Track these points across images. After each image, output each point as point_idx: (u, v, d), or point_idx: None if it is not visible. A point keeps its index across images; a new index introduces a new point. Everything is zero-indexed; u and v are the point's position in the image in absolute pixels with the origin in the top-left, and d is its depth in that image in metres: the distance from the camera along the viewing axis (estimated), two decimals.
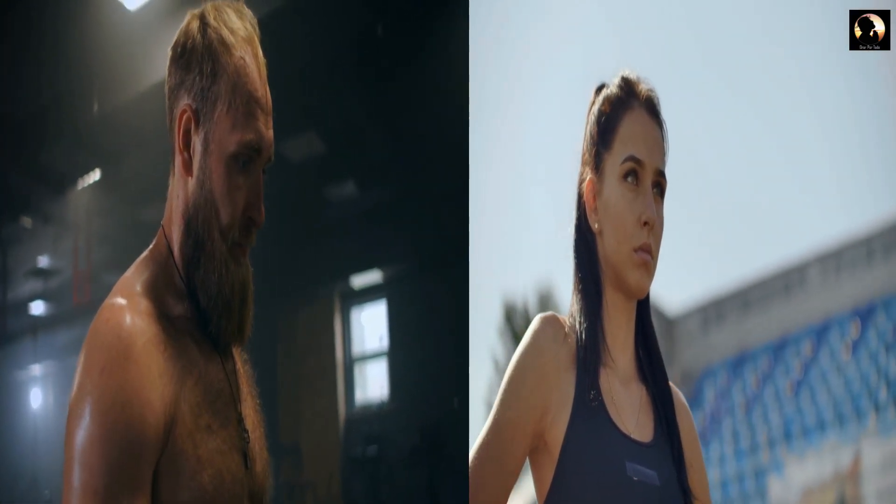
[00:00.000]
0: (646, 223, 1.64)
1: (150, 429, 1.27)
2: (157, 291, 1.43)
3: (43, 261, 5.56)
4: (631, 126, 1.66)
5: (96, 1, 4.39)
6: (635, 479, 1.56)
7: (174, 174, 1.50)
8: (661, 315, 21.05)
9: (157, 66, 1.54)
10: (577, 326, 1.66)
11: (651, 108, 1.69)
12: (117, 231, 5.25)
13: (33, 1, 4.25)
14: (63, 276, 5.47)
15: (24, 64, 4.44)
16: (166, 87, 1.50)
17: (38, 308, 5.74)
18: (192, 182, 1.46)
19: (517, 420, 1.62)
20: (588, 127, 1.71)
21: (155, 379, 1.30)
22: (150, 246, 1.50)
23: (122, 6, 4.36)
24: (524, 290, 27.15)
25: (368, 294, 6.18)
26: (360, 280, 6.14)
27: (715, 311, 21.15)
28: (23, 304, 5.69)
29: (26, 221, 5.33)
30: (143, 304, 1.38)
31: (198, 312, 1.46)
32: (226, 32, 1.43)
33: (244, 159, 1.45)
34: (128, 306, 1.35)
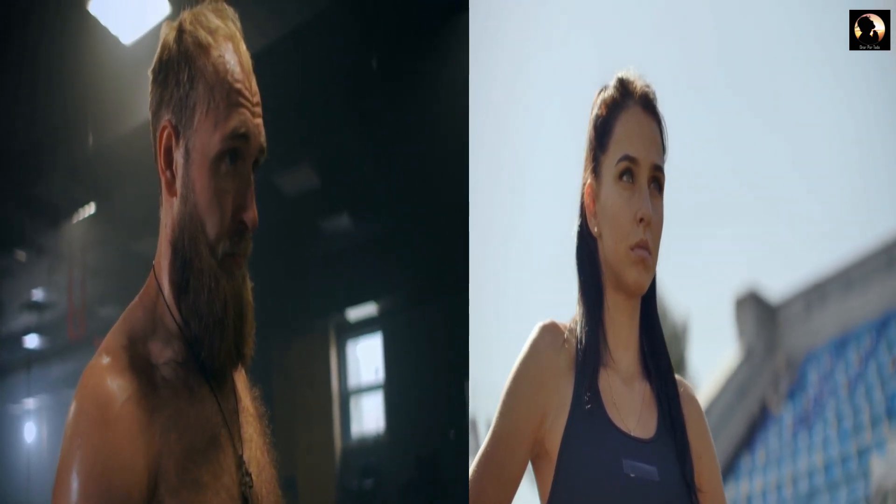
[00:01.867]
0: (641, 220, 1.63)
1: (134, 489, 1.23)
2: (144, 340, 1.37)
3: (37, 294, 5.56)
4: (625, 126, 1.66)
5: (92, 35, 4.44)
6: (632, 475, 1.56)
7: (163, 204, 1.42)
8: (764, 304, 20.87)
9: None
10: (578, 331, 1.67)
11: (647, 104, 1.68)
12: (112, 264, 5.25)
13: (29, 35, 4.29)
14: (58, 309, 5.47)
15: (19, 97, 4.48)
16: (150, 114, 1.42)
17: (32, 341, 5.75)
18: (176, 202, 1.38)
19: (515, 430, 1.63)
20: (588, 132, 1.71)
21: (136, 437, 1.26)
22: (141, 290, 1.43)
23: (117, 40, 4.41)
24: None
25: (364, 326, 6.20)
26: (356, 312, 6.15)
27: (817, 293, 20.81)
28: (17, 338, 5.69)
29: (21, 255, 5.34)
30: (126, 359, 1.32)
31: (191, 350, 1.38)
32: (202, 34, 1.37)
33: (231, 154, 1.36)
34: (109, 366, 1.30)
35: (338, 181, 5.68)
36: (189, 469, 1.30)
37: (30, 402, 5.86)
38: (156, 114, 1.39)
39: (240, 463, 1.38)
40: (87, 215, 5.08)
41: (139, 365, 1.32)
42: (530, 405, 1.63)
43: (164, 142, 1.37)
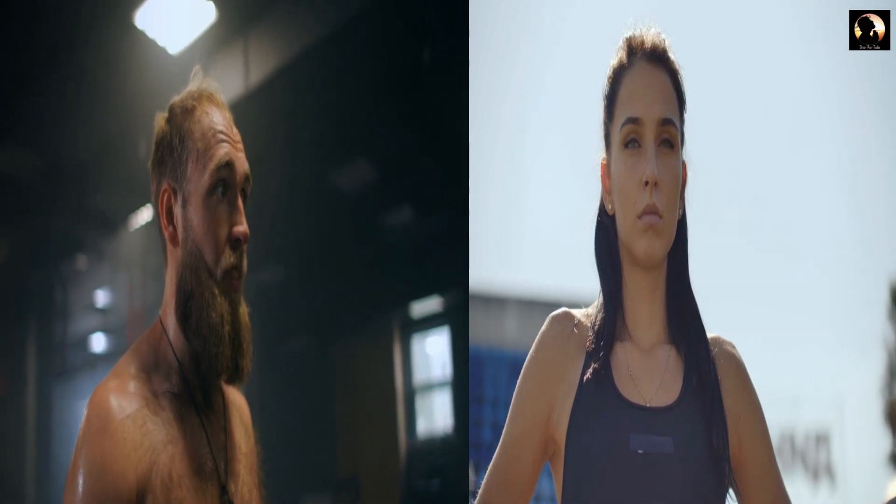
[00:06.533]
0: (647, 182, 1.57)
1: (123, 496, 1.49)
2: (148, 372, 1.61)
3: (100, 298, 5.99)
4: (628, 87, 1.62)
5: (140, 48, 4.79)
6: (640, 451, 1.54)
7: (168, 262, 1.65)
8: None
9: None
10: (594, 314, 1.66)
11: (654, 56, 1.63)
12: None
13: (79, 52, 4.65)
14: (120, 312, 5.89)
15: (73, 113, 4.85)
16: (152, 199, 1.68)
17: (96, 342, 6.18)
18: (179, 250, 1.62)
19: (522, 433, 1.64)
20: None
21: (129, 452, 1.51)
22: (147, 331, 1.67)
23: (164, 51, 4.76)
24: None
25: (429, 322, 6.24)
26: (420, 308, 6.27)
27: None
28: (83, 339, 6.12)
29: (83, 261, 5.77)
30: (132, 384, 1.58)
31: (187, 386, 1.63)
32: (189, 102, 1.63)
33: (221, 185, 1.60)
34: (116, 387, 1.56)
35: (396, 174, 5.84)
36: (174, 491, 1.55)
37: None
38: (156, 195, 1.65)
39: (223, 492, 1.61)
40: (143, 222, 5.48)
41: (142, 392, 1.58)
42: (536, 403, 1.63)
43: (164, 203, 1.63)
